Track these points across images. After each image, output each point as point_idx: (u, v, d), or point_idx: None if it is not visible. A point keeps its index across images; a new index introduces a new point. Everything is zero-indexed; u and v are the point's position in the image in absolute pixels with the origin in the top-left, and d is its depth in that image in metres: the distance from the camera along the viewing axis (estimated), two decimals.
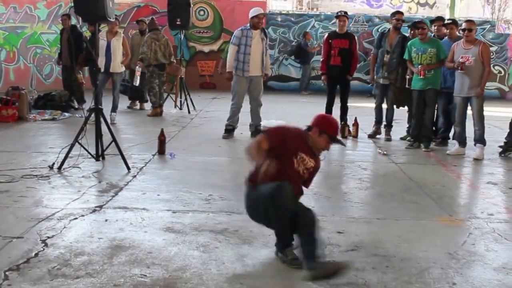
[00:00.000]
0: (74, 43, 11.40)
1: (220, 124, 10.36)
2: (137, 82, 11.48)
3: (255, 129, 9.30)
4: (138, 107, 12.76)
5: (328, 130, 4.17)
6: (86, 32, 11.87)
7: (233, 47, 9.15)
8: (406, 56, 8.85)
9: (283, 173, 3.95)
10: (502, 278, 3.86)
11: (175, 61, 12.11)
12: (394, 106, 9.51)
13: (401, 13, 9.72)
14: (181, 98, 12.60)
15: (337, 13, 9.98)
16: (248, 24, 9.12)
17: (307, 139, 4.20)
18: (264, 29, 9.36)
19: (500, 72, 18.49)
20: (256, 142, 4.02)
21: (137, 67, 11.46)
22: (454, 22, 9.29)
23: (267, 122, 9.63)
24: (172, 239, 4.35)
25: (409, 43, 8.84)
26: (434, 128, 9.39)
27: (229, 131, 9.27)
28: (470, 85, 8.16)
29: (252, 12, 9.11)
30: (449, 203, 5.78)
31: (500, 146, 8.60)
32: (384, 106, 9.66)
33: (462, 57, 8.15)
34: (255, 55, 9.09)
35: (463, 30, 8.31)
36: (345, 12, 9.87)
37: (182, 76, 12.68)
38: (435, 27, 9.36)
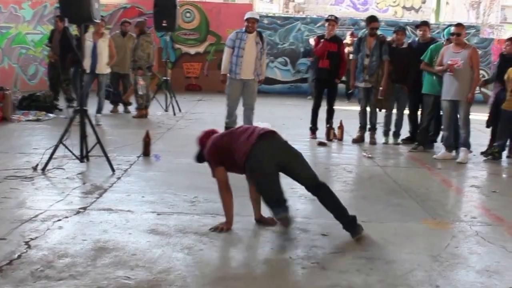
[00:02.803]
0: (66, 45, 11.33)
1: (206, 126, 10.28)
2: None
3: None
4: (121, 110, 12.62)
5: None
6: (74, 31, 11.82)
7: (228, 50, 9.15)
8: (425, 58, 8.82)
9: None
10: (484, 281, 3.88)
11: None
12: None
13: (376, 20, 9.63)
14: (166, 100, 12.57)
15: (328, 16, 10.02)
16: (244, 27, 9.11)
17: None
18: (260, 33, 9.30)
19: (483, 76, 18.61)
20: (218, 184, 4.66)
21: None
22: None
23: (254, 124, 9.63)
24: (157, 241, 4.33)
25: (432, 46, 8.83)
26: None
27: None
28: (458, 88, 8.19)
29: (245, 16, 9.14)
30: (433, 206, 5.82)
31: (485, 151, 8.68)
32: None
33: (451, 60, 8.21)
34: (248, 58, 9.06)
35: (452, 34, 8.37)
36: (336, 17, 9.91)
37: (168, 78, 12.65)
38: (421, 32, 9.44)
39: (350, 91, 14.51)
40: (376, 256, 4.22)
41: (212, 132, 4.87)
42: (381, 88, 9.24)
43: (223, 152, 4.58)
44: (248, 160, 4.37)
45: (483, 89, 15.20)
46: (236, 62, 9.04)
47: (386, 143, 9.57)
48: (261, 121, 10.34)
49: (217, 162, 4.63)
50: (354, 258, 4.16)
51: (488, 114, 8.99)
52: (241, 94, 9.23)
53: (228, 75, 9.17)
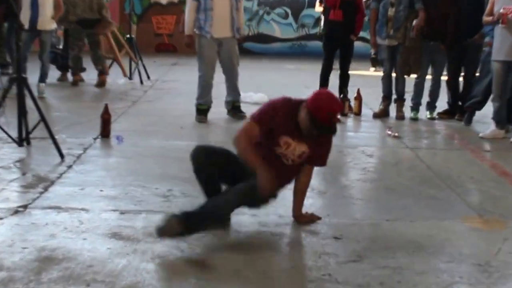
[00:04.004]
0: None
1: (182, 98, 10.33)
2: (60, 44, 11.39)
3: (233, 106, 9.19)
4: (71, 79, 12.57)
5: (314, 112, 4.39)
6: None
7: (191, 3, 8.90)
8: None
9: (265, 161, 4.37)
10: None
11: (108, 15, 11.98)
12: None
13: None
14: (130, 64, 12.52)
15: None
16: None
17: (296, 117, 4.45)
18: None
19: None
20: (244, 132, 4.49)
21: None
22: None
23: (244, 96, 9.61)
24: (120, 248, 4.32)
25: None
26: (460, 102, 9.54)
27: (204, 111, 9.10)
28: None
29: None
30: (479, 199, 5.82)
31: None
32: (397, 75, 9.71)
33: (504, 8, 8.18)
34: (221, 11, 8.81)
35: None
36: None
37: (132, 36, 12.59)
38: None
39: (374, 53, 14.31)
40: (404, 265, 4.22)
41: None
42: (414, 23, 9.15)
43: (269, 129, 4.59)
44: None
45: None
46: (205, 18, 8.81)
47: (416, 118, 9.57)
48: (253, 92, 10.34)
49: (263, 124, 4.57)
50: (376, 267, 4.16)
51: None
52: (218, 59, 9.11)
53: (196, 34, 8.98)
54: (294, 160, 4.59)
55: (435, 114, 9.69)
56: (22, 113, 6.87)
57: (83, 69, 12.04)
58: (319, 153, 4.73)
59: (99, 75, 11.81)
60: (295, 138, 4.54)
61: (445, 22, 9.19)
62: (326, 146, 4.78)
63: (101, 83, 11.66)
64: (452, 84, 9.74)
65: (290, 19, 18.83)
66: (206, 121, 8.99)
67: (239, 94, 9.31)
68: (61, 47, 11.76)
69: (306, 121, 4.46)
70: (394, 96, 9.73)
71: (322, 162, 4.84)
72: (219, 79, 9.37)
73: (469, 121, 9.29)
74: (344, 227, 4.88)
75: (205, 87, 9.08)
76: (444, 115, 9.72)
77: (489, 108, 8.87)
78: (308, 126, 4.47)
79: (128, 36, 12.90)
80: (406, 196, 5.83)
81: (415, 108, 9.65)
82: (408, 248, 4.52)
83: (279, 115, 4.55)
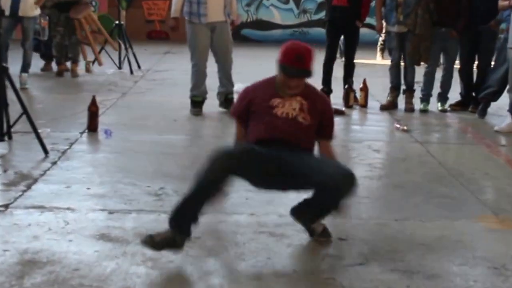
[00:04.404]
0: None
1: (175, 89, 10.32)
2: (45, 36, 11.36)
3: (226, 98, 9.16)
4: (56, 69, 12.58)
5: (281, 58, 4.52)
6: None
7: None
8: None
9: (269, 128, 4.46)
10: None
11: None
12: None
13: None
14: (120, 53, 12.50)
15: None
16: None
17: (275, 83, 4.66)
18: None
19: None
20: (237, 138, 4.72)
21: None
22: None
23: (238, 87, 9.57)
24: (108, 251, 4.32)
25: None
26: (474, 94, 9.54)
27: (199, 103, 9.08)
28: None
29: None
30: (494, 197, 5.83)
31: None
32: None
33: None
34: None
35: None
36: None
37: (122, 23, 12.57)
38: None
39: (383, 41, 14.27)
40: (414, 268, 4.22)
41: None
42: None
43: (249, 108, 4.73)
44: None
45: None
46: (198, 0, 8.81)
47: (426, 110, 9.56)
48: (250, 83, 10.30)
49: (241, 114, 4.78)
50: (384, 271, 4.16)
51: None
52: (211, 45, 9.07)
53: (186, 19, 8.96)
54: (299, 115, 4.53)
55: (447, 106, 9.68)
56: (3, 106, 6.86)
57: (69, 58, 12.01)
58: (318, 119, 4.66)
59: (58, 64, 11.87)
60: (281, 98, 4.59)
61: (458, 6, 9.18)
62: (321, 105, 4.73)
63: (58, 72, 11.70)
64: (465, 73, 9.72)
65: (291, 4, 18.85)
66: (201, 114, 8.98)
67: (232, 85, 9.26)
68: (45, 38, 11.71)
69: (280, 75, 4.56)
70: (403, 87, 9.72)
71: (328, 133, 4.82)
72: (212, 68, 9.32)
73: (483, 113, 9.28)
74: (350, 227, 4.88)
75: (199, 76, 9.05)
76: (457, 107, 9.71)
77: (505, 99, 8.87)
78: (282, 79, 4.54)
79: (117, 22, 12.88)
80: (416, 194, 5.83)
81: (425, 99, 9.64)
82: (418, 250, 4.51)
83: (260, 87, 4.76)
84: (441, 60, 9.93)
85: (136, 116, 8.59)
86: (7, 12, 10.06)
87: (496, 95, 9.27)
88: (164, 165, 6.35)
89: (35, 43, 11.55)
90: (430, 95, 9.66)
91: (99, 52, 12.54)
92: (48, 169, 6.16)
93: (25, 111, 6.80)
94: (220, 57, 9.15)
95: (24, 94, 7.96)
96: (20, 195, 5.37)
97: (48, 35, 11.87)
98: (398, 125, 8.55)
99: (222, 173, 4.11)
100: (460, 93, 9.86)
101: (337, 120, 8.82)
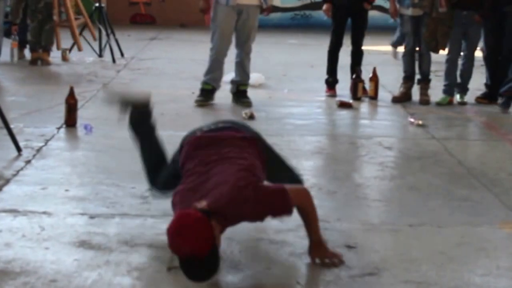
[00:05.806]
0: None
1: (162, 80, 10.32)
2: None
3: (237, 89, 9.20)
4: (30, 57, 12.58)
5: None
6: None
7: None
8: None
9: None
10: None
11: None
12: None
13: None
14: (100, 39, 12.50)
15: None
16: None
17: None
18: None
19: None
20: None
21: None
22: None
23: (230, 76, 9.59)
24: (89, 260, 4.33)
25: None
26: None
27: (207, 92, 9.08)
28: None
29: None
30: None
31: None
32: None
33: None
34: None
35: None
36: None
37: (102, 5, 12.57)
38: None
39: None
40: (431, 279, 4.23)
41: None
42: None
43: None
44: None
45: None
46: None
47: (443, 102, 9.56)
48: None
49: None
50: (398, 282, 4.17)
51: None
52: (235, 29, 9.09)
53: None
54: None
55: (466, 98, 9.65)
56: None
57: (41, 46, 11.93)
58: None
59: (31, 51, 11.90)
60: None
61: None
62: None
63: (32, 61, 11.71)
64: (491, 60, 9.64)
65: None
66: (206, 105, 8.98)
67: (248, 77, 9.28)
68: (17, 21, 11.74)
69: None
70: (417, 77, 9.71)
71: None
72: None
73: (507, 106, 9.26)
74: (359, 233, 4.89)
75: (214, 62, 9.08)
76: (484, 99, 9.62)
77: None
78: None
79: (96, 5, 12.84)
80: (433, 197, 5.84)
81: (448, 91, 9.56)
82: (435, 259, 4.52)
83: None
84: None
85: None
86: None
87: None
88: None
89: (6, 27, 11.56)
90: (453, 85, 9.57)
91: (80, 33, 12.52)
92: (22, 168, 6.17)
93: None
94: (241, 43, 9.17)
95: None
96: None
97: (23, 19, 11.86)
98: (412, 119, 8.55)
99: None
100: (486, 84, 9.78)
101: (344, 114, 8.93)
